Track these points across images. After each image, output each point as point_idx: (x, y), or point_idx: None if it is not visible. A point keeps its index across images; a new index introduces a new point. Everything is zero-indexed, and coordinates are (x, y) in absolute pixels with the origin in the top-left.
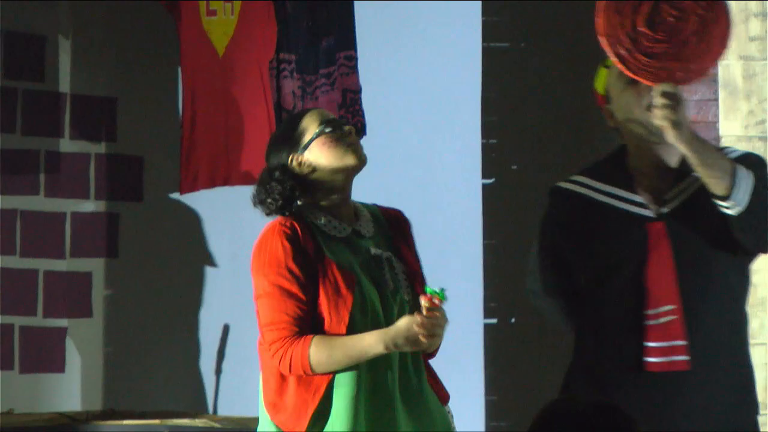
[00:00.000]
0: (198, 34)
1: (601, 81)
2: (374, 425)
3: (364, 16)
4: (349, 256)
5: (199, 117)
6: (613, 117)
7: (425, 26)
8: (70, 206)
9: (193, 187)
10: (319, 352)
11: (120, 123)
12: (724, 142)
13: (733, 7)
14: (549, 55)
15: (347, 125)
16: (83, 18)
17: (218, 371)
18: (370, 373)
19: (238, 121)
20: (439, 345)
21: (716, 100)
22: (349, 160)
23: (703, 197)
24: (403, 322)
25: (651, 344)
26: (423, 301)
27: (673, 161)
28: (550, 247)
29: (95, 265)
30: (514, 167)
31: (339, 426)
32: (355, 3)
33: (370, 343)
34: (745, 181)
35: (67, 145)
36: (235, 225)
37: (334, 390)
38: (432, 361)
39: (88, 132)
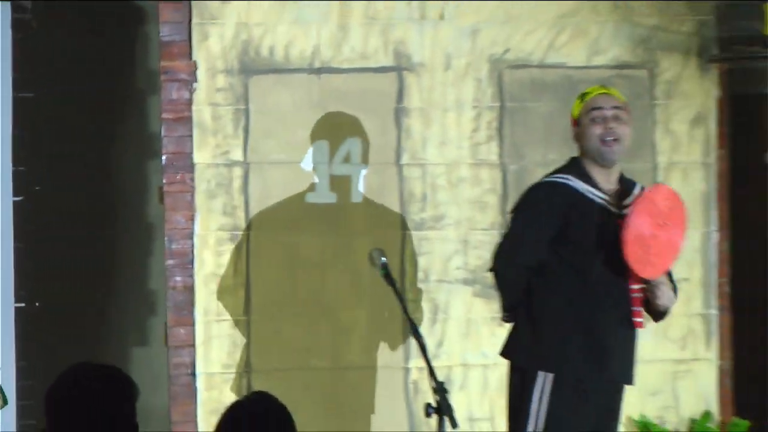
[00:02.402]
0: None
1: (576, 110)
2: None
3: None
4: None
5: None
6: (580, 137)
7: None
8: None
9: None
10: None
11: None
12: (198, 168)
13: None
14: (67, 105)
15: None
16: None
17: None
18: None
19: None
20: None
21: (191, 136)
22: None
23: None
24: None
25: (637, 309)
26: None
27: (614, 174)
28: (546, 225)
29: None
30: (38, 188)
31: None
32: None
33: None
34: (675, 299)
35: None
36: None
37: None
38: None
39: None
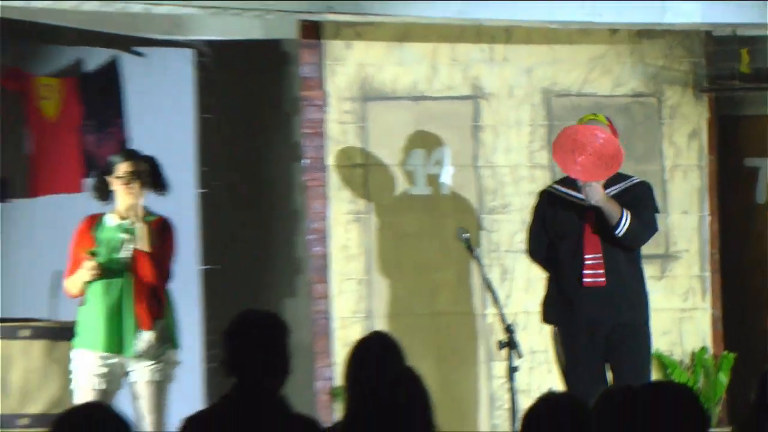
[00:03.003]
0: (37, 109)
1: None
2: (96, 329)
3: (130, 99)
4: (104, 235)
5: (39, 156)
6: None
7: (163, 104)
8: None
9: (36, 193)
10: (68, 281)
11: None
12: (330, 169)
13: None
14: (235, 123)
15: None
16: None
17: None
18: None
19: (62, 157)
20: (158, 278)
21: (324, 145)
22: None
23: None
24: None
25: (586, 272)
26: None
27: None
28: (539, 221)
29: None
30: (216, 183)
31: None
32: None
33: (78, 273)
34: (624, 221)
35: None
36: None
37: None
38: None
39: None
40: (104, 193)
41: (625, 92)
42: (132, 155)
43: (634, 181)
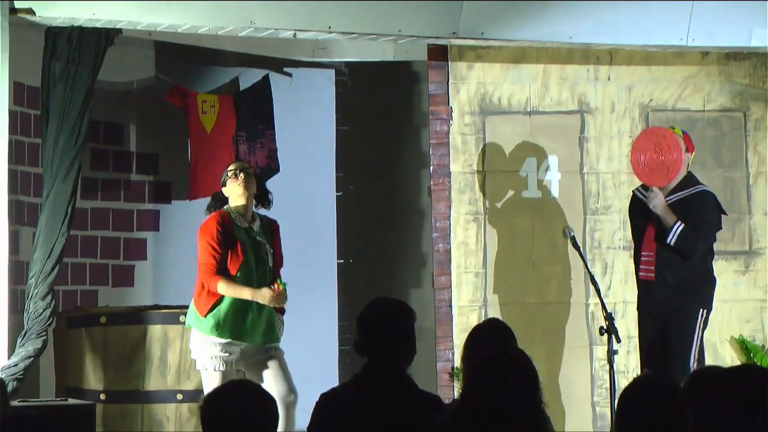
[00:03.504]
0: (197, 122)
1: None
2: (233, 322)
3: (278, 114)
4: (245, 238)
5: (197, 163)
6: None
7: (306, 118)
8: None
9: (195, 196)
10: (224, 286)
11: (161, 163)
12: (453, 175)
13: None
14: (370, 134)
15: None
16: (144, 111)
17: None
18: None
19: (218, 164)
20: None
21: (448, 154)
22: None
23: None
24: (264, 290)
25: (641, 267)
26: (274, 286)
27: (664, 191)
28: (631, 217)
29: None
30: (351, 186)
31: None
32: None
33: (245, 292)
34: (675, 231)
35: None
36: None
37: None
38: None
39: (145, 170)
40: (216, 210)
41: (714, 107)
42: (239, 161)
43: (697, 190)
